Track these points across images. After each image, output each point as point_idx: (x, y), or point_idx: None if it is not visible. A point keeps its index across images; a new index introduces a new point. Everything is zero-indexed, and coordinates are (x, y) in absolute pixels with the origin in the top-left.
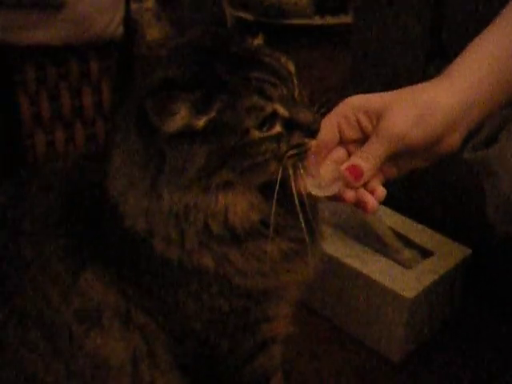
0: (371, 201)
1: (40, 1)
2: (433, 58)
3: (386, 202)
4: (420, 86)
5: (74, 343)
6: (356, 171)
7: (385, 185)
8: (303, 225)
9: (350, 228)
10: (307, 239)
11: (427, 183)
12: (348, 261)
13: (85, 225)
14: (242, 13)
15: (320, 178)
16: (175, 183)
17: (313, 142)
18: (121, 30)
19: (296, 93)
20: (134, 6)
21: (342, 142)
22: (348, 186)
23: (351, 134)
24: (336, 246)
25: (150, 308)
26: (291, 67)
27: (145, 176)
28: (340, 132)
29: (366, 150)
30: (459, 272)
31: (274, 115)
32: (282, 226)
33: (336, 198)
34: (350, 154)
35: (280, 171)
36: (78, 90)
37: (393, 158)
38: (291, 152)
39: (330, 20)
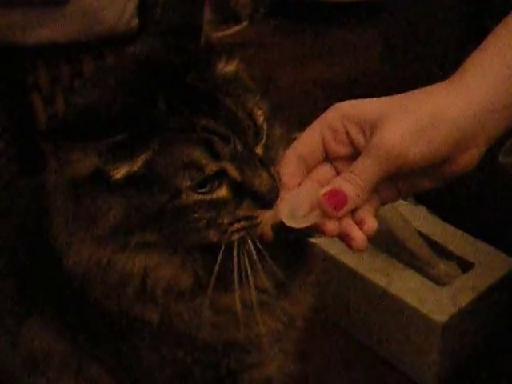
0: (358, 236)
1: None
2: (471, 42)
3: (419, 203)
4: (425, 90)
5: None
6: (337, 198)
7: None
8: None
9: (374, 237)
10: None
11: (468, 183)
12: (372, 276)
13: (32, 263)
14: None
15: (296, 203)
16: (87, 234)
17: (266, 214)
18: (135, 21)
19: (259, 146)
20: None
21: (329, 158)
22: (327, 216)
23: (340, 149)
24: (358, 259)
25: (104, 358)
26: (259, 114)
27: (69, 216)
28: (326, 146)
29: (353, 171)
30: (504, 287)
31: (222, 175)
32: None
33: (316, 229)
34: (338, 173)
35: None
36: None
37: (390, 179)
38: (237, 226)
39: None
